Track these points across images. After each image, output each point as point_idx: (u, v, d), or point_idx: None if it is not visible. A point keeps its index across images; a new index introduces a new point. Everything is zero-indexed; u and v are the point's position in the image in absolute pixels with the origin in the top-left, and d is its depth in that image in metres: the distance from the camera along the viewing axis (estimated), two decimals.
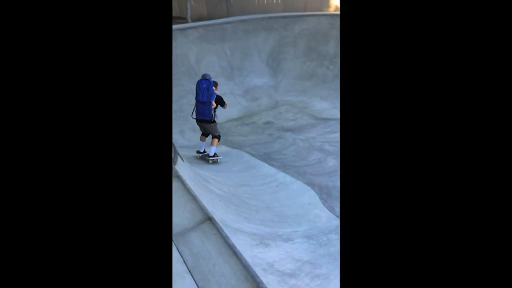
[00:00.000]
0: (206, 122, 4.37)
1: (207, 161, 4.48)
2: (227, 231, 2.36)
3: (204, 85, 4.18)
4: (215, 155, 4.47)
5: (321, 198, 3.48)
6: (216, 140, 4.47)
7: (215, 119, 4.39)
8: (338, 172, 4.07)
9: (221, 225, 2.39)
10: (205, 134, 4.65)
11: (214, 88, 4.27)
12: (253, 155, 4.78)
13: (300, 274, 2.21)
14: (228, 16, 9.71)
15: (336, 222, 3.03)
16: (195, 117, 4.37)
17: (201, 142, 4.70)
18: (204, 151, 4.62)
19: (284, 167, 4.30)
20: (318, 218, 3.12)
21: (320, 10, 10.36)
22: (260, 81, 7.87)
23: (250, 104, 7.16)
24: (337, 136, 5.23)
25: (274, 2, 10.34)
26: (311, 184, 3.78)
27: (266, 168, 4.30)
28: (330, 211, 3.22)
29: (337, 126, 5.58)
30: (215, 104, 4.30)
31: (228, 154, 4.93)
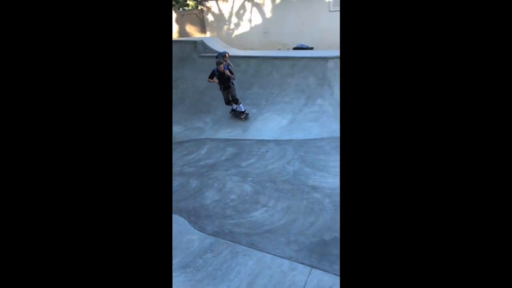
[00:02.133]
0: None
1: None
2: None
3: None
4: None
5: (190, 222, 3.39)
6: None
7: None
8: (202, 191, 4.11)
9: None
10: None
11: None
12: None
13: None
14: None
15: (209, 240, 3.02)
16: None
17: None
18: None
19: None
20: (190, 243, 3.02)
21: None
22: None
23: None
24: (194, 156, 5.29)
25: None
26: (179, 211, 3.64)
27: None
28: (201, 231, 3.18)
29: (193, 147, 5.65)
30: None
31: None
